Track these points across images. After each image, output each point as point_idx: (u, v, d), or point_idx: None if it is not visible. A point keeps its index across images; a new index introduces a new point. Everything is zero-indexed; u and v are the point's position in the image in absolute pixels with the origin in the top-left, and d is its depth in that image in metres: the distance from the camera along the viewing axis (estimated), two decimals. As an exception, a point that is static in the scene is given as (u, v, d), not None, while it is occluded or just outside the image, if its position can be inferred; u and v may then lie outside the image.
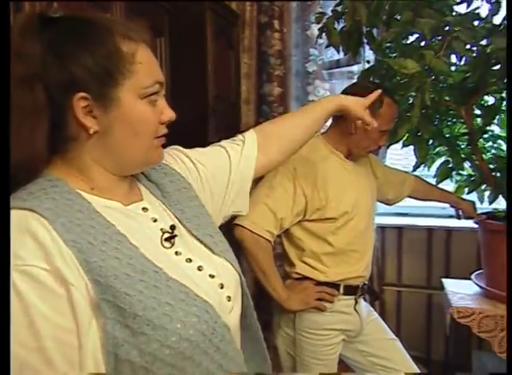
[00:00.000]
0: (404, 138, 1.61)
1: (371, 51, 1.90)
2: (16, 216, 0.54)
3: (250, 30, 2.24)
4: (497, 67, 1.31)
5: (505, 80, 1.46)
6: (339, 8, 1.69)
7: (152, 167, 0.75)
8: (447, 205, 1.93)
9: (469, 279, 1.75)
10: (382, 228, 2.16)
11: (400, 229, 2.19)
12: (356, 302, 1.42)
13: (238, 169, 0.84)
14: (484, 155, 1.59)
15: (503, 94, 1.59)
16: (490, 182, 1.52)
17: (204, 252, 0.71)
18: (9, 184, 0.57)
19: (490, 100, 1.57)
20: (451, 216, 2.22)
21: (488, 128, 1.64)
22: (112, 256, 0.57)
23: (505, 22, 1.24)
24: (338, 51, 1.67)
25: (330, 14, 1.70)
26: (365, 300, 1.52)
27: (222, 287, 0.68)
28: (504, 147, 1.71)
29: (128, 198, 0.68)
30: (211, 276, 0.68)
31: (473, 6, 1.40)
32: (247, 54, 2.25)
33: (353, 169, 1.43)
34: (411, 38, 1.57)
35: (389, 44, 1.79)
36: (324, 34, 1.73)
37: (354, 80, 2.08)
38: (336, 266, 1.38)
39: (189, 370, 0.57)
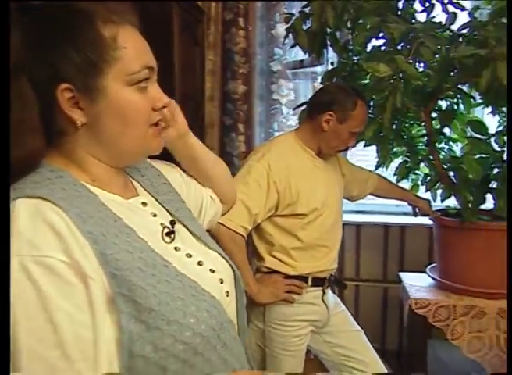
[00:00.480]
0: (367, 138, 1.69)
1: (335, 53, 1.96)
2: (26, 205, 0.51)
3: (216, 27, 2.23)
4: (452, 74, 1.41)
5: (459, 86, 1.58)
6: (306, 10, 1.73)
7: (145, 167, 0.74)
8: (402, 203, 2.05)
9: (423, 272, 1.87)
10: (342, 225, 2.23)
11: (358, 226, 2.28)
12: (324, 293, 1.47)
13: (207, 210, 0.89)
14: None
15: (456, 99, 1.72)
16: (445, 181, 1.62)
17: (201, 248, 0.71)
18: (9, 183, 0.54)
19: (448, 104, 1.67)
20: (405, 214, 2.35)
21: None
22: (123, 249, 0.55)
23: (463, 31, 1.33)
24: (305, 52, 1.71)
25: (297, 15, 1.74)
26: (333, 291, 1.58)
27: (222, 282, 0.68)
28: (455, 148, 1.83)
29: (125, 193, 0.67)
30: (212, 271, 0.67)
31: (432, 15, 1.50)
32: (211, 50, 2.24)
33: (323, 167, 1.48)
34: (374, 43, 1.64)
35: (351, 47, 1.86)
36: (291, 35, 1.76)
37: (318, 81, 2.14)
38: (305, 261, 1.42)
39: (198, 366, 0.56)
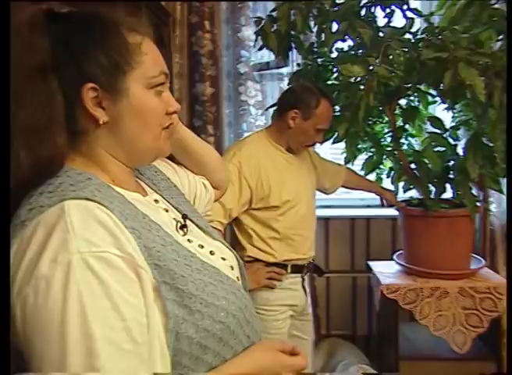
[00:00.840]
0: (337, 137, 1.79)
1: (300, 55, 2.05)
2: (76, 206, 0.54)
3: (181, 30, 2.26)
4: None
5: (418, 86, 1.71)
6: (273, 14, 1.81)
7: (143, 167, 0.78)
8: (367, 196, 2.19)
9: (389, 260, 2.00)
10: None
11: (326, 220, 2.39)
12: (303, 280, 1.57)
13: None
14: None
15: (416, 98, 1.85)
16: (409, 174, 1.75)
17: (208, 239, 0.76)
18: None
19: (406, 102, 1.80)
20: (369, 206, 2.49)
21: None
22: (158, 243, 0.59)
23: (423, 36, 1.46)
24: (275, 55, 1.79)
25: (266, 19, 1.82)
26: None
27: (232, 269, 0.74)
28: (413, 141, 1.97)
29: (139, 192, 0.70)
30: (223, 259, 0.73)
31: (393, 20, 1.63)
32: (178, 53, 2.26)
33: (293, 162, 1.58)
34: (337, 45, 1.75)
35: (315, 50, 1.96)
36: (259, 37, 1.84)
37: (285, 82, 2.23)
38: (282, 249, 1.54)
39: (230, 343, 0.62)
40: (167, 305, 0.56)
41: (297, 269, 1.57)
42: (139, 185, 0.73)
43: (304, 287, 1.60)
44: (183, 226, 0.71)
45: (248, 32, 2.26)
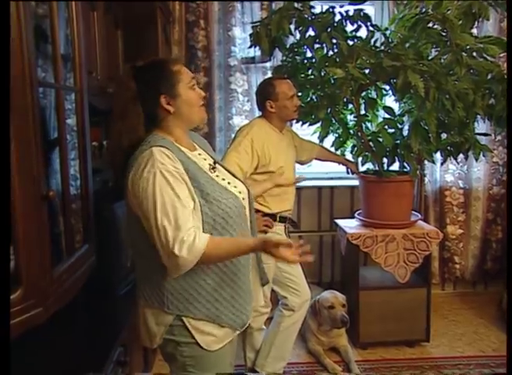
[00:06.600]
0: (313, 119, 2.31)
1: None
2: (156, 149, 1.11)
3: (180, 27, 2.64)
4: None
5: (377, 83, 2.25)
6: (266, 21, 2.28)
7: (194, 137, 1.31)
8: (330, 170, 2.73)
9: (350, 218, 2.58)
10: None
11: (299, 189, 2.90)
12: (285, 228, 2.08)
13: None
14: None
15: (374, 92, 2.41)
16: (368, 149, 2.31)
17: (230, 177, 1.28)
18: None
19: (364, 94, 2.35)
20: (332, 178, 3.06)
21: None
22: (194, 170, 1.16)
23: (382, 47, 1.99)
24: (269, 56, 2.26)
25: (259, 24, 2.28)
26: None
27: (243, 199, 1.27)
28: (369, 125, 2.53)
29: (191, 148, 1.25)
30: (235, 187, 1.27)
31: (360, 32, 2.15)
32: (177, 46, 2.65)
33: (284, 139, 2.10)
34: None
35: (295, 49, 2.45)
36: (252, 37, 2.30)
37: (268, 74, 2.70)
38: (275, 203, 2.04)
39: (230, 222, 1.16)
40: (195, 196, 1.11)
41: (282, 219, 2.09)
42: (192, 145, 1.26)
43: (285, 233, 2.10)
44: (214, 168, 1.25)
45: (237, 31, 2.70)
